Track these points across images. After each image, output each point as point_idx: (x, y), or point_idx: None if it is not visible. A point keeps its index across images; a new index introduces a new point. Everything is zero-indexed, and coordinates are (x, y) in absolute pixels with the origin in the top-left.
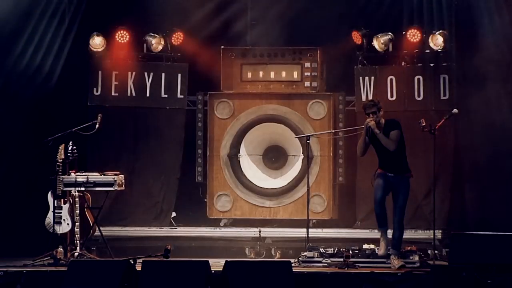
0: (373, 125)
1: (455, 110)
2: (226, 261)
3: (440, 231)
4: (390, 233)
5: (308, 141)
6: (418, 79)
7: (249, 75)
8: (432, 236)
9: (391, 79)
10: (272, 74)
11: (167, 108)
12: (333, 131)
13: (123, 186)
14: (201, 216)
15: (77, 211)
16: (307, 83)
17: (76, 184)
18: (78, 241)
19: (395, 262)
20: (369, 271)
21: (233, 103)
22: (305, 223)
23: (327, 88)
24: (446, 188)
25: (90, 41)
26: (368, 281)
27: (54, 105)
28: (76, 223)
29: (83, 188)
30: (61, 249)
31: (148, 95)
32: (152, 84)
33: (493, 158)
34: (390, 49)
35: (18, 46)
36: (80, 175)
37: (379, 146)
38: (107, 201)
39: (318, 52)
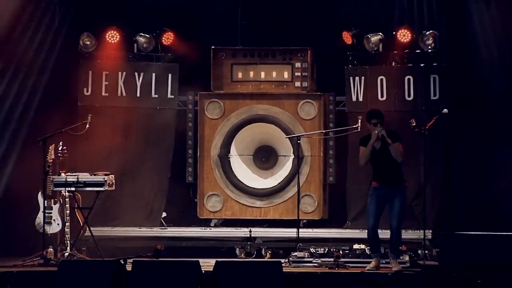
0: (386, 134)
1: (445, 110)
2: (217, 261)
3: (431, 231)
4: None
5: (298, 141)
6: (409, 79)
7: (240, 75)
8: (422, 236)
9: (381, 79)
10: (262, 74)
11: (158, 108)
12: (324, 131)
13: (114, 186)
14: (192, 216)
15: (67, 211)
16: (297, 83)
17: (66, 184)
18: (68, 241)
19: (394, 265)
20: (359, 271)
21: (223, 103)
22: (296, 223)
23: (317, 88)
24: (436, 188)
25: (80, 41)
26: (358, 281)
27: (44, 105)
28: (67, 223)
29: (73, 188)
30: (51, 249)
31: (138, 95)
32: (142, 84)
33: (484, 158)
34: (381, 49)
35: (8, 45)
36: (70, 175)
37: (380, 157)
38: (97, 201)
39: (309, 52)
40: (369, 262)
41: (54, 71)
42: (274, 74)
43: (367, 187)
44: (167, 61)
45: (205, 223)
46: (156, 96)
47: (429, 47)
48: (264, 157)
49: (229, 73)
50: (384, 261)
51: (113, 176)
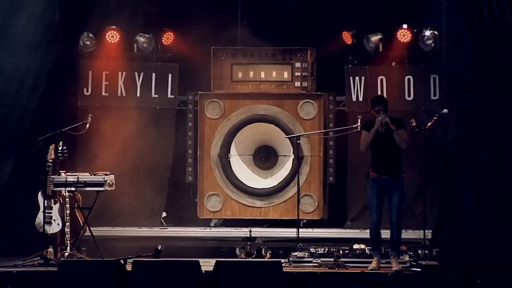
0: (389, 121)
1: (445, 110)
2: (217, 261)
3: (430, 231)
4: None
5: (298, 141)
6: (409, 79)
7: (240, 75)
8: (422, 236)
9: (381, 79)
10: (262, 74)
11: (158, 108)
12: (324, 131)
13: (114, 186)
14: (192, 216)
15: (67, 211)
16: (297, 83)
17: (66, 184)
18: (68, 241)
19: (394, 264)
20: (359, 271)
21: (223, 103)
22: (296, 223)
23: (317, 88)
24: (436, 188)
25: (80, 41)
26: (358, 281)
27: (44, 105)
28: (67, 223)
29: (73, 188)
30: (51, 249)
31: (138, 95)
32: (142, 84)
33: (483, 158)
34: (381, 49)
35: (7, 44)
36: (71, 175)
37: (382, 143)
38: (97, 201)
39: (309, 52)
40: (369, 262)
41: (54, 71)
42: (274, 74)
43: (367, 187)
44: (167, 61)
45: (205, 223)
46: (156, 96)
47: (429, 47)
48: (264, 157)
49: (229, 73)
50: (384, 261)
51: (113, 176)
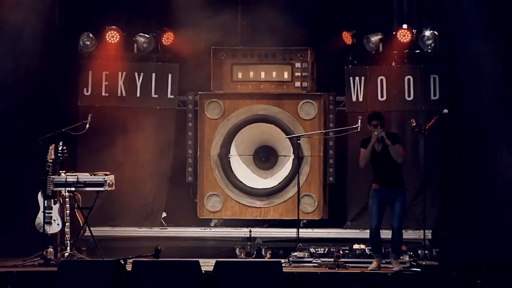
0: (385, 136)
1: (445, 111)
2: (217, 261)
3: (431, 231)
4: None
5: (298, 141)
6: (408, 79)
7: (240, 75)
8: (422, 236)
9: (381, 79)
10: (262, 74)
11: (158, 108)
12: (324, 131)
13: (114, 186)
14: (192, 216)
15: (67, 211)
16: (297, 83)
17: (66, 184)
18: (68, 241)
19: (394, 265)
20: (359, 271)
21: (223, 103)
22: (296, 223)
23: (317, 88)
24: (436, 188)
25: (80, 41)
26: (358, 281)
27: (44, 105)
28: (66, 223)
29: (73, 188)
30: (51, 249)
31: (138, 95)
32: (142, 84)
33: (483, 158)
34: (381, 49)
35: (6, 44)
36: (71, 175)
37: (381, 160)
38: (97, 201)
39: (309, 52)
40: (368, 262)
41: (54, 71)
42: (274, 74)
43: (367, 187)
44: (167, 61)
45: (205, 223)
46: (156, 96)
47: (429, 47)
48: (264, 157)
49: (229, 73)
50: (384, 261)
51: (113, 176)
